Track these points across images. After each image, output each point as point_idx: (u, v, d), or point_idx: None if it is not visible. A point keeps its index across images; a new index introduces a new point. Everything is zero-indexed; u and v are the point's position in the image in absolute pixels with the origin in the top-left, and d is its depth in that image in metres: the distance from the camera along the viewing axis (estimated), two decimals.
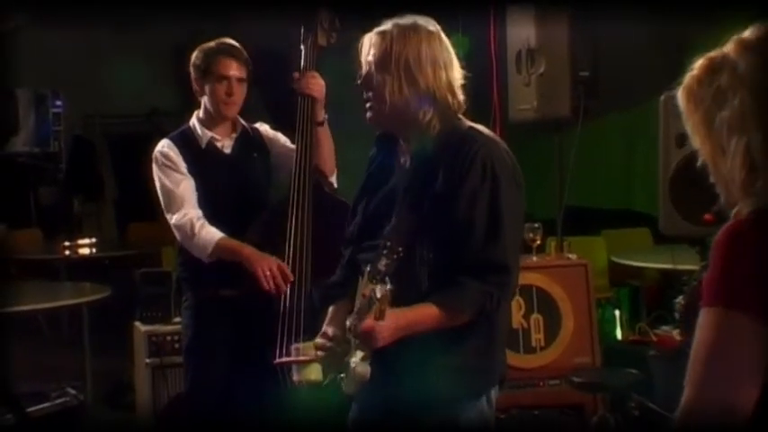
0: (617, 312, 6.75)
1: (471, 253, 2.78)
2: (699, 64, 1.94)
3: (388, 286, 2.67)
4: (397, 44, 2.85)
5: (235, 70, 4.18)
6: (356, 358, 2.79)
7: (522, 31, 5.66)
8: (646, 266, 7.06)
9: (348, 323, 2.82)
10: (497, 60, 5.87)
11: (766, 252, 1.74)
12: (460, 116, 2.95)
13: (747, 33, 1.92)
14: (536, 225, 5.43)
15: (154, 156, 4.26)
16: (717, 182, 1.90)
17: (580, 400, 5.03)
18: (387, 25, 2.91)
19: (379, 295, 2.65)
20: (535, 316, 5.24)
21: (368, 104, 2.94)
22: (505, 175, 2.82)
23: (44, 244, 9.23)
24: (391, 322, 2.73)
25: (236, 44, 4.28)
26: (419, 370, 2.82)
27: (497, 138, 2.94)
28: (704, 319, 1.76)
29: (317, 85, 4.10)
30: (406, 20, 2.90)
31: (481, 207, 2.78)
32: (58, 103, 12.39)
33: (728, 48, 1.92)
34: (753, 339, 1.71)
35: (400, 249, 2.79)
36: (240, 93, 4.23)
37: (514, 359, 5.17)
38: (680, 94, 1.95)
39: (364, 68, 2.92)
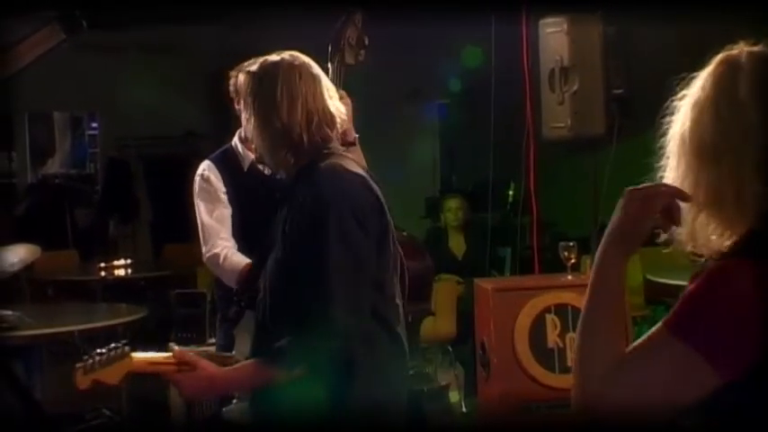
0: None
1: (296, 302, 2.72)
2: (718, 61, 1.85)
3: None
4: (256, 84, 2.88)
5: None
6: None
7: (554, 50, 5.64)
8: (682, 284, 6.99)
9: None
10: (530, 79, 5.86)
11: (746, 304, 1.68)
12: (329, 148, 2.90)
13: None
14: (571, 243, 5.40)
15: (195, 178, 4.25)
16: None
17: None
18: (253, 65, 2.94)
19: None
20: (571, 335, 5.19)
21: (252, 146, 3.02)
22: (338, 216, 2.72)
23: (80, 265, 9.28)
24: (203, 379, 2.78)
25: None
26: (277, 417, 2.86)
27: (347, 172, 2.84)
28: (655, 330, 1.75)
29: (343, 104, 4.03)
30: (272, 57, 2.92)
31: (304, 252, 2.73)
32: (94, 125, 12.51)
33: (739, 54, 1.84)
34: (703, 381, 1.69)
35: (244, 297, 2.83)
36: None
37: (550, 379, 5.14)
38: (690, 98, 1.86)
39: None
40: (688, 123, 1.83)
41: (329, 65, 4.08)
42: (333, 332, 2.67)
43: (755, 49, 1.85)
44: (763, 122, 1.75)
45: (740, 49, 1.85)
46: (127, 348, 2.88)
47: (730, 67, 1.82)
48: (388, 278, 2.88)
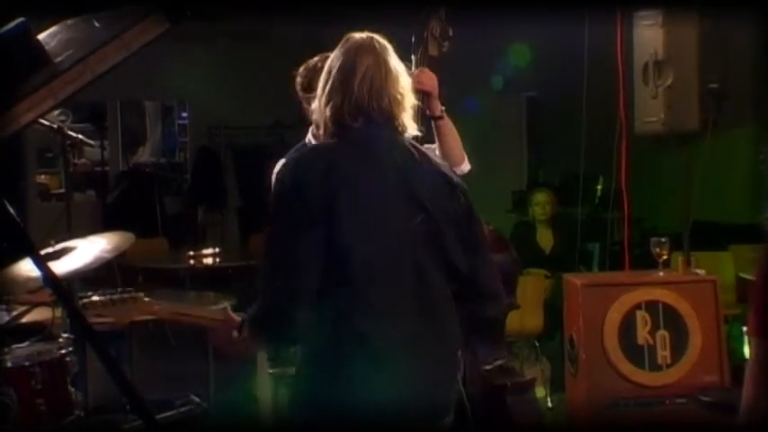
0: (745, 329, 6.58)
1: None
2: None
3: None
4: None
5: None
6: None
7: (649, 43, 5.57)
8: None
9: None
10: (624, 72, 5.79)
11: None
12: (346, 125, 2.91)
13: None
14: (663, 239, 5.34)
15: (272, 176, 4.27)
16: None
17: (709, 420, 4.91)
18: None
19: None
20: (661, 332, 5.14)
21: None
22: (284, 189, 2.84)
23: (169, 253, 9.38)
24: (225, 329, 2.92)
25: None
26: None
27: (312, 148, 3.01)
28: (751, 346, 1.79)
29: (427, 78, 3.92)
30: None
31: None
32: (184, 114, 12.68)
33: None
34: None
35: None
36: None
37: (640, 376, 5.09)
38: None
39: None
40: None
41: (413, 56, 4.05)
42: (258, 304, 2.81)
43: None
44: None
45: None
46: (141, 294, 2.99)
47: None
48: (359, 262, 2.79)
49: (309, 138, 4.31)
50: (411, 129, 3.00)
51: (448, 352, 2.90)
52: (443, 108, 3.98)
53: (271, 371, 5.38)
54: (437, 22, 4.03)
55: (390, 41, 3.09)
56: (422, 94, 3.92)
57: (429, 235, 2.87)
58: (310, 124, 4.32)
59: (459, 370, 2.96)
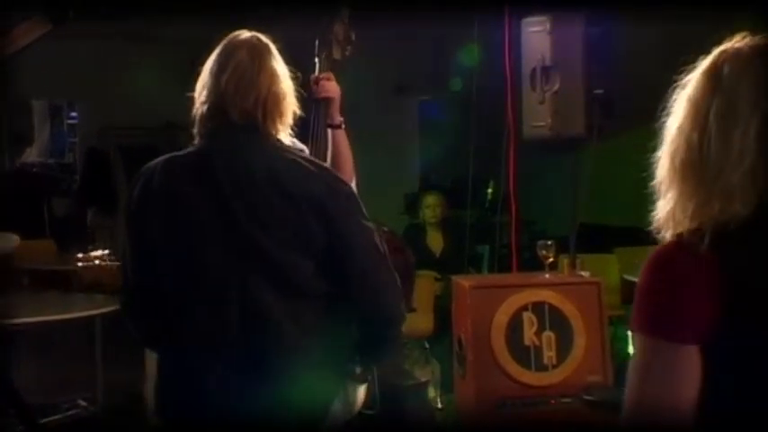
0: (629, 331, 6.74)
1: None
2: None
3: None
4: None
5: None
6: None
7: (536, 49, 5.66)
8: None
9: None
10: (512, 78, 5.88)
11: (686, 278, 1.73)
12: (205, 128, 2.89)
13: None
14: (549, 242, 5.42)
15: None
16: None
17: (592, 418, 5.01)
18: None
19: None
20: (547, 333, 5.22)
21: None
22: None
23: (57, 255, 9.22)
24: None
25: None
26: None
27: (173, 154, 2.94)
28: (635, 343, 1.77)
29: (331, 84, 3.86)
30: None
31: None
32: (74, 114, 12.46)
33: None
34: (676, 361, 1.71)
35: None
36: None
37: (526, 376, 5.16)
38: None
39: None
40: (681, 119, 1.85)
41: (316, 60, 4.04)
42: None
43: (742, 43, 1.86)
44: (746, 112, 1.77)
45: (731, 44, 1.87)
46: None
47: (720, 62, 1.84)
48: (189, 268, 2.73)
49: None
50: (283, 135, 2.87)
51: (301, 376, 2.68)
52: (342, 119, 3.97)
53: None
54: (340, 26, 4.01)
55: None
56: (324, 100, 3.91)
57: (258, 259, 2.67)
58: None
59: (326, 390, 2.82)
